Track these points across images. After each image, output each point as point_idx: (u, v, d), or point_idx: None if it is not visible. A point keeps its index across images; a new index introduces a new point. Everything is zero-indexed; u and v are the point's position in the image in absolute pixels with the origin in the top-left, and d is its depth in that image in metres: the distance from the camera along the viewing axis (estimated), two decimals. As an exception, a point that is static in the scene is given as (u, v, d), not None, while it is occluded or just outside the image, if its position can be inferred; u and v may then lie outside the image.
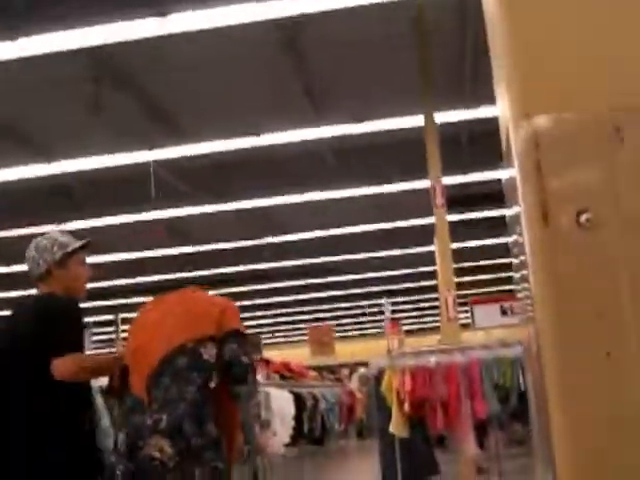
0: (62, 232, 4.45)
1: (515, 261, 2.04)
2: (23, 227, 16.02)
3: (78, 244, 4.40)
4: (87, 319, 20.71)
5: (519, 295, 2.04)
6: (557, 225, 1.69)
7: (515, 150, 1.76)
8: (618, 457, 1.69)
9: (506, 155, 1.86)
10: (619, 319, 1.68)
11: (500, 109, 2.01)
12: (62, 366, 3.85)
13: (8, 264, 19.50)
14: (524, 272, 1.83)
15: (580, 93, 1.77)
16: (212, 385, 4.03)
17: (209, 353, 4.05)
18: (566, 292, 1.69)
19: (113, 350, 27.95)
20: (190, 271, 22.17)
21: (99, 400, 7.00)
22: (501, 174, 11.01)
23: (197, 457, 3.88)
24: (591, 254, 1.70)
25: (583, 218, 1.69)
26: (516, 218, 1.84)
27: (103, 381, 6.74)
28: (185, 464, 3.85)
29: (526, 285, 1.81)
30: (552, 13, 1.78)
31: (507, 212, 2.05)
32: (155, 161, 12.82)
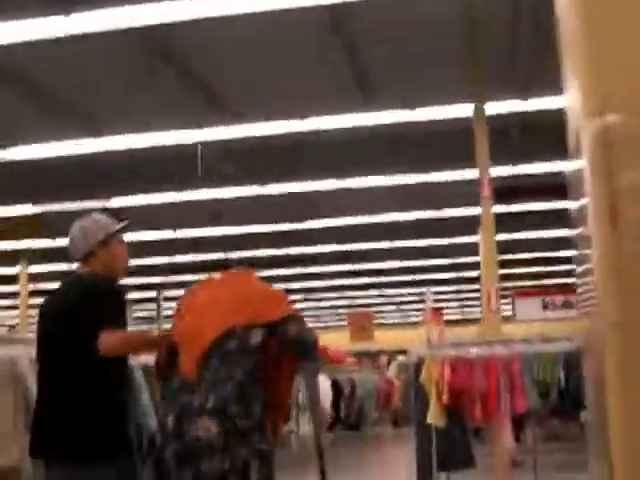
0: (103, 213, 4.58)
1: (578, 253, 2.00)
2: (69, 202, 16.19)
3: (120, 225, 4.52)
4: (129, 296, 20.92)
5: (580, 287, 2.00)
6: (625, 225, 1.65)
7: (585, 148, 1.71)
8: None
9: (575, 149, 1.81)
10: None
11: (570, 103, 1.95)
12: (108, 341, 3.98)
13: (54, 238, 19.71)
14: (588, 266, 1.78)
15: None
16: (256, 371, 4.13)
17: (256, 338, 4.15)
18: (631, 292, 1.65)
19: (153, 327, 28.21)
20: (230, 252, 22.30)
21: (139, 377, 7.05)
22: (550, 166, 10.83)
23: (243, 438, 3.97)
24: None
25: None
26: (582, 211, 1.79)
27: (146, 359, 6.81)
28: (231, 445, 3.94)
29: (589, 279, 1.77)
30: (628, 9, 1.74)
31: (571, 204, 2.00)
32: (202, 141, 12.85)
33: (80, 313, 4.08)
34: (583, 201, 1.78)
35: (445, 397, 8.64)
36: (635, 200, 1.67)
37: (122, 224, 4.56)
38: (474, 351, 8.84)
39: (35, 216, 16.92)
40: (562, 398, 9.05)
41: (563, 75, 2.16)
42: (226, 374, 4.06)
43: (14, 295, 24.08)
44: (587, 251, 1.77)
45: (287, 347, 4.24)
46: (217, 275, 4.54)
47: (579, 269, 2.01)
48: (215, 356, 4.11)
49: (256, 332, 4.17)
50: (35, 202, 16.22)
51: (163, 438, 4.05)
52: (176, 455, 3.98)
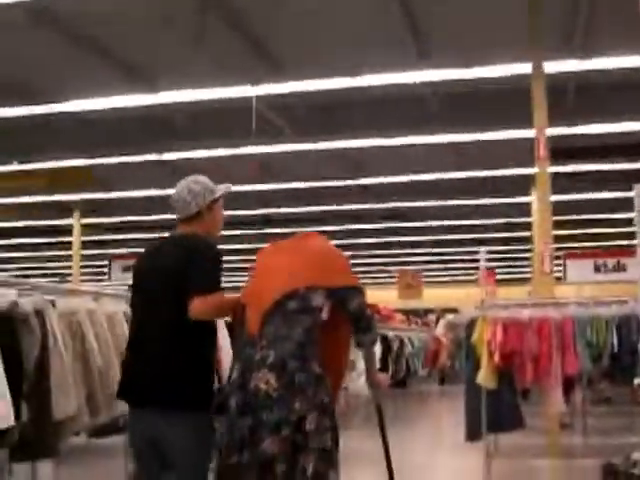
0: (208, 179, 4.74)
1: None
2: (124, 155, 16.32)
3: (225, 191, 4.75)
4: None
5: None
6: None
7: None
8: None
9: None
10: None
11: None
12: (200, 307, 4.29)
13: (107, 190, 19.90)
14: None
15: None
16: (315, 331, 4.35)
17: (317, 300, 4.37)
18: None
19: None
20: (279, 207, 22.37)
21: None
22: (606, 127, 10.72)
23: (301, 391, 4.19)
24: None
25: None
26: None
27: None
28: (289, 396, 4.17)
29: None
30: None
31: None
32: (257, 97, 12.83)
33: (183, 273, 4.34)
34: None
35: (497, 358, 8.62)
36: None
37: (226, 189, 4.77)
38: (527, 313, 8.79)
39: (86, 168, 17.09)
40: (614, 361, 8.99)
41: (624, 34, 2.11)
42: (287, 332, 4.29)
43: (67, 245, 24.38)
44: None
45: (346, 317, 4.48)
46: (288, 239, 4.77)
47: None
48: (277, 314, 4.33)
49: (318, 295, 4.38)
50: (88, 155, 16.37)
51: (229, 389, 4.30)
52: (238, 404, 4.23)
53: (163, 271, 4.45)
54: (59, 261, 30.36)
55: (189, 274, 4.33)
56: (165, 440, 4.32)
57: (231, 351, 4.99)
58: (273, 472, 4.15)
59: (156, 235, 25.12)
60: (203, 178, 4.75)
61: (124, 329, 6.54)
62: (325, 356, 4.41)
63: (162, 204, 20.19)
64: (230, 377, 4.37)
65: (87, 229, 24.56)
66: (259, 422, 4.17)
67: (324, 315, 4.41)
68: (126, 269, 19.71)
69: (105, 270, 21.91)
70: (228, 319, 5.11)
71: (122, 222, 24.88)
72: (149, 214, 22.67)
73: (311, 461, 4.19)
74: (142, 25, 11.27)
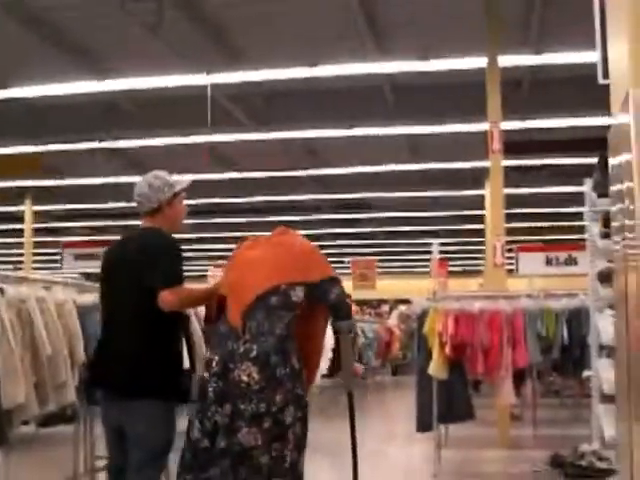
0: (168, 174, 4.96)
1: (616, 207, 1.97)
2: (75, 142, 16.12)
3: (184, 185, 4.97)
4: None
5: (616, 243, 1.97)
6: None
7: (633, 120, 1.69)
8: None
9: (621, 108, 1.78)
10: None
11: (615, 63, 1.92)
12: (167, 298, 4.52)
13: (59, 178, 19.66)
14: (628, 222, 1.76)
15: None
16: (293, 327, 4.61)
17: (297, 295, 4.62)
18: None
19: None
20: (234, 197, 22.26)
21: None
22: (560, 122, 10.74)
23: (281, 384, 4.46)
24: None
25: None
26: (625, 169, 1.76)
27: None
28: (270, 389, 4.44)
29: (630, 235, 1.74)
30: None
31: (612, 160, 1.97)
32: (212, 85, 12.74)
33: (145, 268, 4.59)
34: (626, 157, 1.75)
35: (448, 349, 8.66)
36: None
37: (186, 184, 4.99)
38: (478, 305, 8.84)
39: (36, 155, 16.86)
40: (563, 354, 9.08)
41: (579, 30, 2.12)
42: (269, 327, 4.54)
43: (19, 233, 24.09)
44: (630, 205, 1.75)
45: (325, 308, 4.74)
46: (265, 235, 5.03)
47: (616, 223, 1.99)
48: (259, 309, 4.57)
49: (298, 291, 4.62)
50: (38, 142, 16.15)
51: (208, 376, 4.56)
52: (216, 392, 4.50)
53: (127, 264, 4.68)
54: (11, 249, 29.99)
55: (151, 268, 4.55)
56: (126, 426, 4.60)
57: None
58: (248, 461, 4.41)
59: (109, 223, 25.03)
60: (163, 173, 4.90)
61: (74, 318, 6.49)
62: (301, 349, 4.65)
63: (115, 192, 20.06)
64: (208, 367, 4.58)
65: (39, 216, 24.29)
66: (237, 411, 4.42)
67: (301, 308, 4.63)
68: (79, 257, 19.49)
69: (58, 258, 21.70)
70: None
71: (75, 210, 24.64)
72: (102, 202, 22.47)
73: (289, 450, 4.49)
74: (95, 11, 11.12)
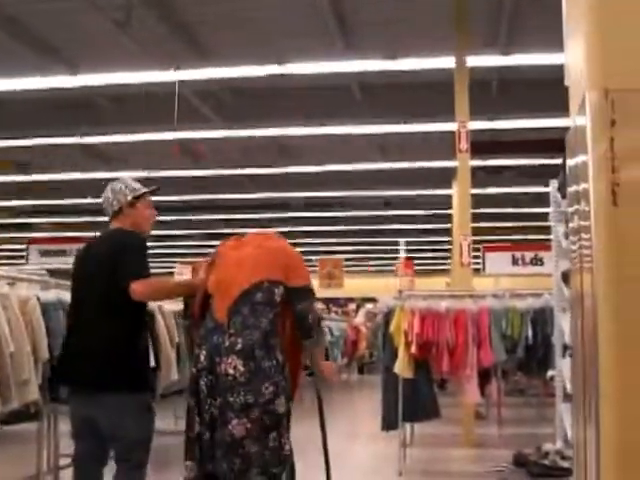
0: (133, 179, 5.34)
1: (572, 209, 1.99)
2: (43, 137, 15.99)
3: (146, 189, 5.25)
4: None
5: (573, 244, 1.99)
6: (625, 205, 1.65)
7: (589, 122, 1.70)
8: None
9: (579, 110, 1.80)
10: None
11: (573, 67, 1.93)
12: (139, 288, 4.73)
13: (28, 173, 19.48)
14: (584, 223, 1.78)
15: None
16: (277, 322, 4.86)
17: (279, 293, 4.89)
18: (628, 273, 1.65)
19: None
20: (203, 193, 22.16)
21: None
22: (528, 123, 10.77)
23: (268, 377, 4.68)
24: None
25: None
26: (581, 172, 1.78)
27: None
28: (257, 381, 4.65)
29: (585, 237, 1.76)
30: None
31: (569, 161, 1.99)
32: (181, 82, 12.69)
33: (111, 262, 4.82)
34: (583, 164, 1.77)
35: (413, 348, 8.68)
36: (636, 183, 1.66)
37: (149, 189, 5.27)
38: (444, 304, 8.87)
39: (3, 150, 16.71)
40: (528, 353, 9.13)
41: (548, 30, 2.14)
42: (254, 322, 4.76)
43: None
44: (585, 207, 1.77)
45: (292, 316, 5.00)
46: (248, 235, 5.31)
47: (573, 224, 2.01)
48: (244, 304, 4.81)
49: (280, 288, 4.90)
50: (5, 137, 16.00)
51: (197, 370, 4.77)
52: (207, 386, 4.71)
53: (95, 263, 4.94)
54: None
55: (120, 264, 4.79)
56: (99, 420, 4.80)
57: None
58: (241, 450, 4.62)
59: (76, 219, 24.86)
60: (126, 178, 5.30)
61: (38, 315, 6.44)
62: (286, 345, 4.89)
63: (83, 188, 19.92)
64: (197, 362, 4.79)
65: (5, 212, 24.09)
66: (226, 404, 4.64)
67: (282, 308, 4.89)
68: (44, 253, 19.39)
69: (23, 254, 21.54)
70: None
71: (41, 205, 24.45)
72: (69, 198, 22.30)
73: (286, 440, 4.75)
74: (64, 5, 11.05)
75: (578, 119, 1.84)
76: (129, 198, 5.12)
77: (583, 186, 1.75)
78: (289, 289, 4.93)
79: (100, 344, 4.77)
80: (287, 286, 4.93)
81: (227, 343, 4.72)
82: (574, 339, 2.05)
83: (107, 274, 4.80)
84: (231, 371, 4.65)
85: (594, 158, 1.65)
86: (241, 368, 4.65)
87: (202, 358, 4.77)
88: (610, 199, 1.62)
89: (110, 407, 4.74)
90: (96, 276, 4.87)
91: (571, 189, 2.01)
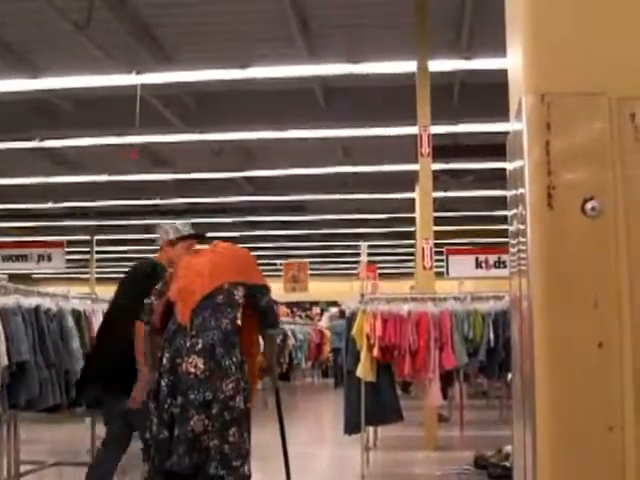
0: (184, 224, 6.27)
1: (511, 212, 2.02)
2: (4, 141, 15.83)
3: (187, 234, 6.14)
4: (63, 238, 20.63)
5: (512, 247, 2.02)
6: (561, 209, 1.66)
7: (526, 126, 1.72)
8: (597, 440, 1.68)
9: (516, 114, 1.82)
10: (614, 310, 1.66)
11: (512, 67, 1.95)
12: (139, 328, 5.42)
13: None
14: (521, 227, 1.80)
15: (599, 76, 1.72)
16: (238, 322, 5.16)
17: (239, 294, 5.17)
18: (563, 276, 1.67)
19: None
20: (166, 198, 22.08)
21: (69, 324, 7.04)
22: (489, 127, 10.85)
23: (227, 375, 4.88)
24: (592, 242, 1.67)
25: (589, 206, 1.66)
26: (519, 176, 1.80)
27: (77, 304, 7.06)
28: (216, 379, 4.86)
29: (522, 240, 1.79)
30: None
31: (509, 165, 2.02)
32: (142, 85, 12.63)
33: (124, 293, 6.04)
34: (520, 168, 1.79)
35: (376, 351, 8.69)
36: (572, 188, 1.68)
37: (190, 233, 6.18)
38: (406, 307, 8.88)
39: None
40: (490, 356, 9.16)
41: (506, 38, 2.16)
42: (214, 323, 5.01)
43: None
44: (522, 210, 1.79)
45: (256, 312, 5.31)
46: (203, 248, 5.80)
47: (512, 228, 2.04)
48: (206, 307, 5.07)
49: (239, 290, 5.18)
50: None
51: (159, 374, 4.98)
52: (168, 386, 4.89)
53: (121, 284, 6.32)
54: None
55: (131, 296, 5.78)
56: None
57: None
58: (201, 445, 4.79)
59: (39, 224, 24.67)
60: (178, 223, 6.26)
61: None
62: (242, 342, 5.11)
63: (43, 192, 19.78)
64: (160, 365, 5.01)
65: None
66: (188, 401, 4.81)
67: (242, 307, 5.20)
68: (6, 258, 19.18)
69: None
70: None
71: (4, 210, 24.23)
72: (32, 202, 22.12)
73: (248, 434, 4.97)
74: (23, 6, 10.95)
75: (515, 123, 1.86)
76: (171, 237, 6.03)
77: (520, 189, 1.77)
78: (251, 286, 5.25)
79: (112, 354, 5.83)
80: (248, 284, 5.24)
81: (188, 344, 4.93)
82: (513, 341, 2.08)
83: (121, 297, 6.04)
84: (192, 370, 4.85)
85: (530, 161, 1.67)
86: (201, 366, 4.85)
87: (165, 361, 4.97)
88: (546, 202, 1.63)
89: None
90: (116, 296, 6.21)
91: (510, 193, 2.04)
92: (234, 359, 4.95)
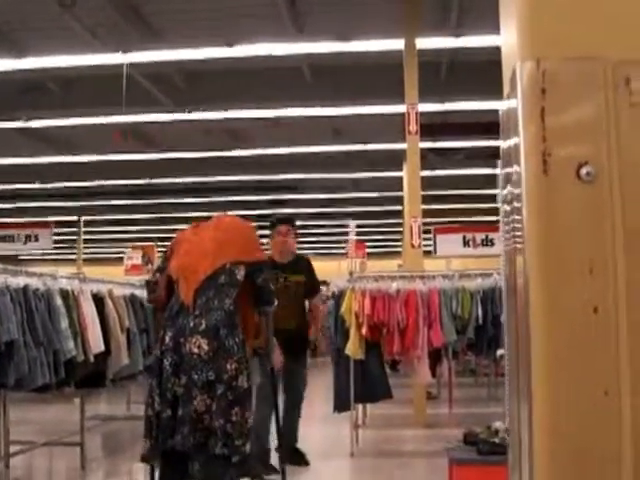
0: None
1: (505, 191, 2.02)
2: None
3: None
4: (50, 218, 20.52)
5: (505, 225, 2.03)
6: (556, 175, 1.66)
7: (520, 93, 1.71)
8: (594, 411, 1.69)
9: (510, 88, 1.81)
10: (609, 275, 1.67)
11: (505, 41, 1.95)
12: None
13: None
14: (516, 205, 1.80)
15: (593, 41, 1.72)
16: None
17: (240, 273, 5.18)
18: (558, 243, 1.67)
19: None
20: (154, 177, 22.01)
21: (58, 303, 7.02)
22: (478, 105, 10.85)
23: (230, 354, 4.94)
24: (587, 208, 1.67)
25: (583, 171, 1.66)
26: (513, 150, 1.80)
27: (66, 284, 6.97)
28: (220, 359, 4.91)
29: (517, 218, 1.78)
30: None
31: (502, 143, 2.01)
32: (130, 64, 12.56)
33: None
34: (514, 140, 1.79)
35: (364, 330, 8.70)
36: (567, 153, 1.68)
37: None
38: (394, 285, 8.89)
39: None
40: (478, 333, 9.19)
41: (498, 13, 2.14)
42: (218, 303, 5.05)
43: None
44: (516, 190, 1.79)
45: (253, 289, 5.30)
46: (206, 222, 5.62)
47: (504, 207, 2.04)
48: (209, 288, 5.09)
49: (241, 269, 5.19)
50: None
51: (162, 352, 5.02)
52: (172, 365, 4.94)
53: None
54: None
55: None
56: None
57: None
58: (202, 425, 4.84)
59: (27, 205, 24.56)
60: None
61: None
62: (244, 322, 5.16)
63: (30, 173, 19.68)
64: (162, 344, 5.03)
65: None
66: (191, 381, 4.86)
67: (242, 286, 5.16)
68: (-8, 239, 19.06)
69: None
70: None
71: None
72: (16, 182, 22.01)
73: (250, 413, 5.03)
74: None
75: (509, 92, 1.85)
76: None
77: (515, 158, 1.77)
78: (249, 264, 5.23)
79: None
80: (248, 262, 5.23)
81: (192, 324, 4.98)
82: (507, 318, 2.08)
83: None
84: (196, 350, 4.90)
85: (525, 129, 1.66)
86: (205, 347, 4.90)
87: (167, 340, 5.01)
88: (541, 168, 1.63)
89: None
90: None
91: (503, 171, 2.03)
92: (236, 339, 5.00)
